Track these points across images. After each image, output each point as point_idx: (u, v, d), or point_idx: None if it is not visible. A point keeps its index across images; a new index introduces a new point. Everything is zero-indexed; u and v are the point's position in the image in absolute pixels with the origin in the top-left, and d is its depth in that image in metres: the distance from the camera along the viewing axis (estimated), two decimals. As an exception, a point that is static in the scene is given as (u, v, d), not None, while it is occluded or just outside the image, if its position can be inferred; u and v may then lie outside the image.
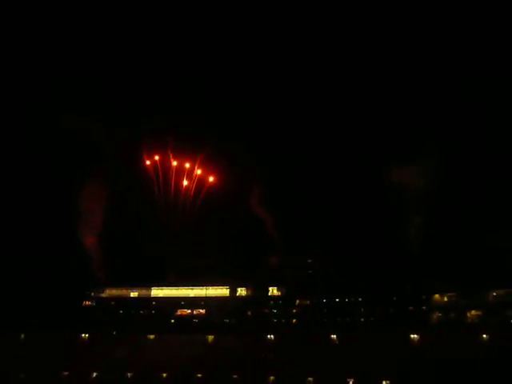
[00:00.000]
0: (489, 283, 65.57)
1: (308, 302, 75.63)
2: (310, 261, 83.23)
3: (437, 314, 68.21)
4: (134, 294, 79.94)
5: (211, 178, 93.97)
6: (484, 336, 58.16)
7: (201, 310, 75.94)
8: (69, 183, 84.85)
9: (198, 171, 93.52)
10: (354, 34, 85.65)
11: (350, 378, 60.25)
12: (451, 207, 76.14)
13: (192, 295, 77.95)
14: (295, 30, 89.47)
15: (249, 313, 74.44)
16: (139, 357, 67.77)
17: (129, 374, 67.55)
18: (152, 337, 71.29)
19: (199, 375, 65.52)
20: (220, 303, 75.76)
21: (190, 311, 76.14)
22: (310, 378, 61.91)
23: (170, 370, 66.49)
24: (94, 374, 68.81)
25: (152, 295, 79.31)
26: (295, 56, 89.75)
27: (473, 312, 65.58)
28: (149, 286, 79.57)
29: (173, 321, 75.18)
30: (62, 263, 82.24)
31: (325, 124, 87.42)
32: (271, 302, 75.78)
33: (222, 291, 77.96)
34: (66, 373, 69.22)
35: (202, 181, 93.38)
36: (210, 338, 69.81)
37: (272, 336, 68.52)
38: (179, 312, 76.28)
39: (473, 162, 75.82)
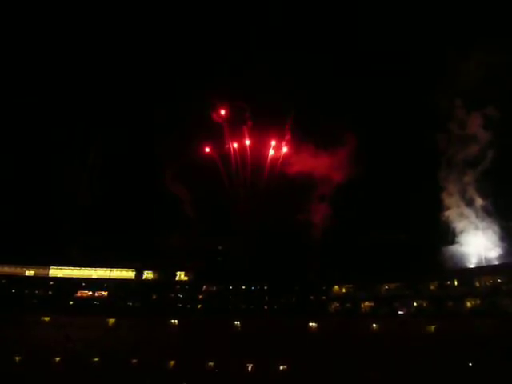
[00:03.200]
0: (381, 277, 71.10)
1: (214, 288, 76.15)
2: (219, 247, 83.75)
3: (335, 304, 72.60)
4: (29, 273, 74.27)
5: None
6: (374, 325, 62.94)
7: (103, 293, 72.91)
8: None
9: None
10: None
11: (250, 362, 61.85)
12: (354, 204, 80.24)
13: (95, 276, 74.52)
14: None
15: (154, 297, 73.11)
16: (30, 340, 63.21)
17: (17, 358, 62.74)
18: (47, 319, 66.88)
19: (96, 359, 62.91)
20: (124, 286, 73.45)
21: (91, 293, 72.79)
22: (211, 363, 62.51)
23: (64, 354, 62.93)
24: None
25: (50, 275, 74.35)
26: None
27: (366, 303, 70.80)
28: (46, 265, 74.49)
29: (71, 302, 71.29)
30: None
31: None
32: (178, 287, 75.17)
33: (128, 273, 75.52)
34: None
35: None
36: (111, 321, 67.38)
37: (176, 321, 67.97)
38: (79, 293, 72.54)
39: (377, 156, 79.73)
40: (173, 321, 67.99)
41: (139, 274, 75.98)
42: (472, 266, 69.46)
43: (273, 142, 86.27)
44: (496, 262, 67.66)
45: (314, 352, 58.36)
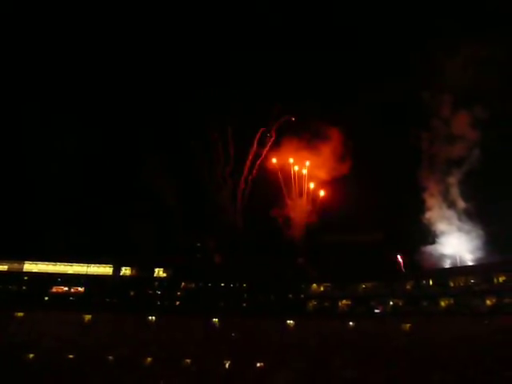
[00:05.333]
0: (359, 276, 71.99)
1: (193, 285, 75.82)
2: (199, 244, 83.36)
3: (313, 302, 73.16)
4: (2, 268, 72.48)
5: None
6: (351, 323, 63.71)
7: (79, 288, 71.80)
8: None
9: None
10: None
11: (227, 360, 61.87)
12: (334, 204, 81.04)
13: (71, 272, 73.28)
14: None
15: (131, 293, 72.38)
16: (3, 336, 61.81)
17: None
18: (20, 314, 65.54)
19: (71, 356, 61.91)
20: (101, 282, 72.47)
21: (67, 289, 71.59)
22: (188, 360, 62.28)
23: (38, 351, 61.73)
24: None
25: (24, 270, 72.76)
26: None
27: (344, 302, 71.59)
28: (21, 260, 72.88)
29: (47, 298, 69.99)
30: None
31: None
32: (156, 283, 74.58)
33: (105, 269, 74.52)
34: None
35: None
36: (87, 317, 66.45)
37: (153, 317, 67.49)
38: (55, 289, 71.27)
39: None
40: (150, 318, 67.49)
41: (117, 269, 75.07)
42: (447, 266, 71.07)
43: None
44: (470, 263, 69.41)
45: (292, 350, 58.81)
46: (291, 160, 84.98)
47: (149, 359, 62.47)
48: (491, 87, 66.07)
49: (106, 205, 79.45)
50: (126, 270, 75.29)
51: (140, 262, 75.54)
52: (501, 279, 60.92)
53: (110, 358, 61.74)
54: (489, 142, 69.07)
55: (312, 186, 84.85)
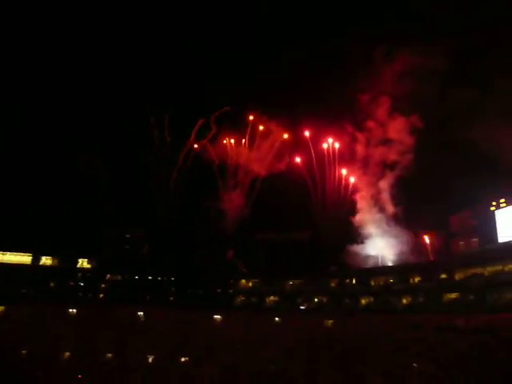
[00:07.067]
0: (286, 273, 73.75)
1: (119, 277, 73.47)
2: (128, 235, 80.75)
3: (241, 298, 73.84)
4: None
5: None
6: (277, 319, 65.01)
7: (-8, 278, 66.71)
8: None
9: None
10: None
11: (151, 354, 60.55)
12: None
13: (-16, 260, 67.93)
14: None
15: (52, 284, 68.48)
16: None
17: None
18: None
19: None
20: (18, 271, 67.79)
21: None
22: (109, 354, 60.11)
23: None
24: None
25: None
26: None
27: (271, 297, 72.99)
28: None
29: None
30: None
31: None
32: (79, 274, 71.24)
33: (23, 258, 69.78)
34: None
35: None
36: (0, 308, 61.84)
37: (74, 310, 64.27)
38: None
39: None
40: (71, 310, 64.16)
41: (36, 259, 70.61)
42: (370, 266, 74.79)
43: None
44: (389, 264, 73.62)
45: (217, 345, 58.81)
46: (229, 152, 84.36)
47: (67, 353, 59.45)
48: (428, 94, 69.32)
49: (27, 190, 73.95)
50: (46, 260, 71.12)
51: (62, 252, 71.65)
52: (416, 280, 65.41)
53: (24, 351, 57.90)
54: (422, 149, 72.17)
55: (248, 180, 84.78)
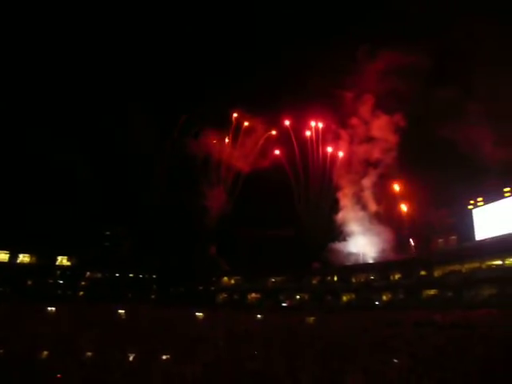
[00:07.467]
0: (269, 271, 73.93)
1: (99, 275, 72.54)
2: (108, 233, 79.76)
3: (223, 295, 73.75)
4: None
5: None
6: (259, 316, 65.10)
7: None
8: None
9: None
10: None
11: (132, 353, 59.97)
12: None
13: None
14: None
15: (29, 282, 67.19)
16: None
17: None
18: None
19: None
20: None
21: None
22: (89, 353, 59.34)
23: None
24: None
25: None
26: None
27: (253, 295, 73.12)
28: None
29: None
30: None
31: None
32: (58, 272, 70.06)
33: (0, 256, 68.30)
34: None
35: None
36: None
37: (53, 308, 63.15)
38: None
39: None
40: (50, 308, 63.04)
41: (13, 256, 69.17)
42: (351, 263, 75.59)
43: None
44: (370, 262, 74.57)
45: (199, 342, 58.62)
46: (212, 149, 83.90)
47: (45, 353, 58.50)
48: (408, 93, 70.27)
49: (3, 187, 72.09)
50: (24, 257, 69.75)
51: (40, 249, 70.34)
52: (396, 277, 66.40)
53: (0, 352, 56.69)
54: (405, 147, 73.23)
55: (231, 176, 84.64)
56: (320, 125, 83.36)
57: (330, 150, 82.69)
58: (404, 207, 74.19)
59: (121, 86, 76.48)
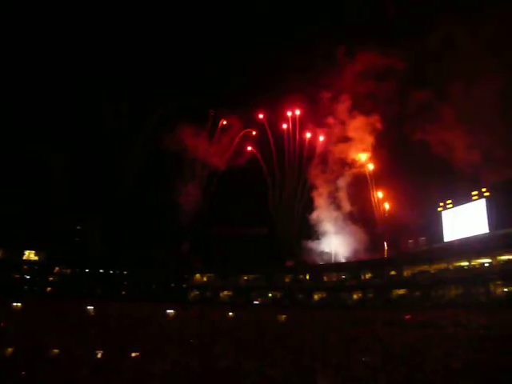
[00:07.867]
0: (241, 268, 73.95)
1: (69, 270, 70.93)
2: (78, 227, 78.07)
3: (195, 292, 73.28)
4: None
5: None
6: (231, 313, 65.09)
7: None
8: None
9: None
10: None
11: (100, 349, 58.87)
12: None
13: None
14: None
15: (-6, 276, 65.09)
16: None
17: None
18: None
19: None
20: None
21: None
22: (56, 350, 57.88)
23: None
24: None
25: None
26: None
27: (225, 292, 72.95)
28: None
29: None
30: None
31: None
32: (25, 267, 68.09)
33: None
34: None
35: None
36: None
37: (19, 304, 61.31)
38: None
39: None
40: (15, 304, 61.16)
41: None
42: (323, 262, 76.33)
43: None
44: (342, 261, 75.50)
45: (170, 339, 58.05)
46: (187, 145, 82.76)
47: (10, 349, 56.71)
48: (383, 94, 71.29)
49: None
50: (-12, 251, 67.53)
51: (6, 243, 68.10)
52: (367, 276, 67.45)
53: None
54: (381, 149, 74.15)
55: (206, 173, 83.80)
56: (297, 112, 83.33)
57: (306, 139, 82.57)
58: (378, 208, 75.42)
59: (93, 76, 74.47)
